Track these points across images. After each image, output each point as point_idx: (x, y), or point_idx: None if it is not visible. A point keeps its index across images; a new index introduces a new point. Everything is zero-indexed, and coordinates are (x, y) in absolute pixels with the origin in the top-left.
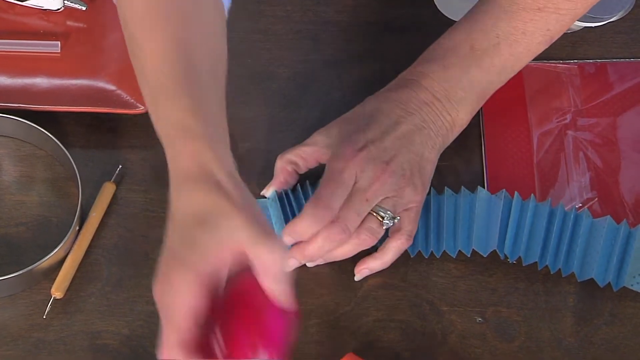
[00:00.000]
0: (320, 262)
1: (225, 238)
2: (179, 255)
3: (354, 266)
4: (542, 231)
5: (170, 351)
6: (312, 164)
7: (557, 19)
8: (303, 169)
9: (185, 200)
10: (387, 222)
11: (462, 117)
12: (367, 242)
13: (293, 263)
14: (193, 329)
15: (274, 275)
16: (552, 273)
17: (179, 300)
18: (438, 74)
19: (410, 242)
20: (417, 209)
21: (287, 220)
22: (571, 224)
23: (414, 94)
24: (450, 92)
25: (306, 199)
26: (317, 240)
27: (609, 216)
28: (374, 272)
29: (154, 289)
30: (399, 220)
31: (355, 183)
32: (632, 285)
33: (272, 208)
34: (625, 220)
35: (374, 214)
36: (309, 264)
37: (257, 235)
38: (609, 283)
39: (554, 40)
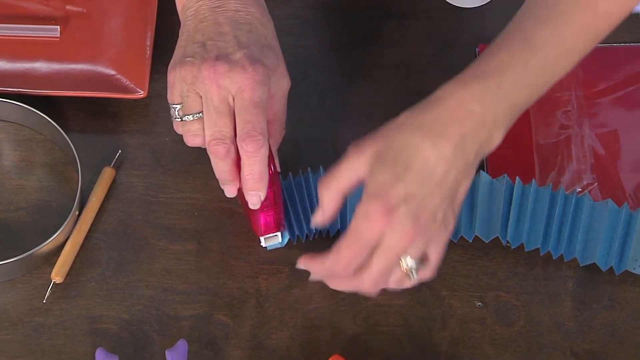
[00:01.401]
0: None
1: (276, 76)
2: (259, 57)
3: None
4: (543, 216)
5: (264, 136)
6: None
7: (595, 40)
8: (348, 191)
9: (247, 13)
10: (413, 276)
11: (499, 139)
12: (394, 289)
13: (313, 276)
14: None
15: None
16: (554, 258)
17: (267, 93)
18: (492, 95)
19: (434, 274)
20: (446, 243)
21: (285, 205)
22: (572, 208)
23: (459, 121)
24: (500, 115)
25: (306, 185)
26: (344, 284)
27: (609, 199)
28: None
29: (257, 70)
30: (425, 264)
31: (383, 239)
32: (634, 268)
33: None
34: (626, 203)
35: (402, 266)
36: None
37: (286, 94)
38: (611, 267)
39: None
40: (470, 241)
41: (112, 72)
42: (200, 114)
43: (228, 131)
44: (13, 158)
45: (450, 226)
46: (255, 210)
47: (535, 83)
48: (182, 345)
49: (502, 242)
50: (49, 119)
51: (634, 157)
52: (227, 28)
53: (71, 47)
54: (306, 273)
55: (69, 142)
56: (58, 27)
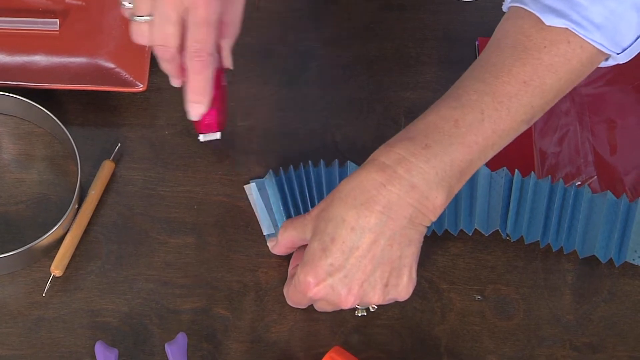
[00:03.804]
0: None
1: None
2: None
3: None
4: (543, 208)
5: (213, 57)
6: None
7: (541, 94)
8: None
9: None
10: (363, 312)
11: (440, 199)
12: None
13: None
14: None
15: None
16: (554, 251)
17: (219, 10)
18: (418, 154)
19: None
20: (406, 295)
21: (284, 198)
22: (571, 200)
23: (384, 192)
24: (430, 173)
25: (307, 178)
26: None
27: (608, 191)
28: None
29: None
30: (375, 308)
31: (319, 301)
32: (633, 259)
33: (269, 187)
34: (624, 194)
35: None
36: None
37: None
38: (611, 259)
39: (534, 121)
40: (470, 234)
41: (112, 65)
42: (150, 17)
43: (174, 40)
44: (12, 151)
45: (403, 288)
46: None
47: (473, 142)
48: (181, 338)
49: (502, 235)
50: (49, 113)
51: (633, 150)
52: None
53: (71, 41)
54: None
55: (69, 135)
56: (57, 20)
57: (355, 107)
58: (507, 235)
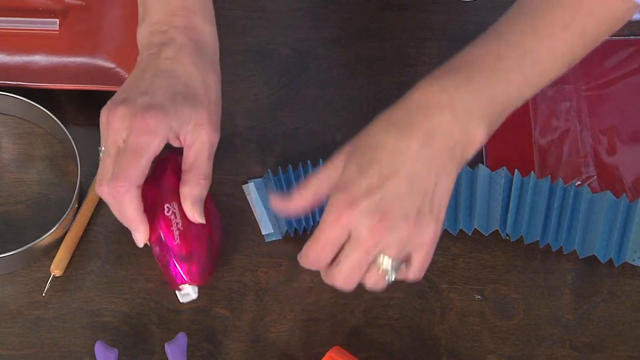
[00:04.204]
0: None
1: (192, 126)
2: (163, 105)
3: None
4: (542, 208)
5: (129, 183)
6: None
7: (581, 38)
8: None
9: (175, 62)
10: (392, 276)
11: (481, 134)
12: (372, 290)
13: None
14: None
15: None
16: (553, 251)
17: (156, 141)
18: (460, 86)
19: (420, 277)
20: (430, 246)
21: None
22: (571, 200)
23: (426, 118)
24: (472, 107)
25: (305, 178)
26: (324, 277)
27: (608, 191)
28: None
29: (146, 116)
30: (404, 266)
31: (352, 234)
32: (633, 260)
33: (268, 187)
34: (624, 194)
35: (377, 266)
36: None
37: (208, 146)
38: (610, 260)
39: (574, 64)
40: (470, 234)
41: (112, 65)
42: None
43: (106, 173)
44: (12, 151)
45: (430, 228)
46: (166, 259)
47: (514, 78)
48: (181, 338)
49: (502, 234)
50: (48, 112)
51: (633, 149)
52: (147, 74)
53: (70, 40)
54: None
55: (68, 135)
56: (57, 20)
57: (355, 107)
58: (507, 235)
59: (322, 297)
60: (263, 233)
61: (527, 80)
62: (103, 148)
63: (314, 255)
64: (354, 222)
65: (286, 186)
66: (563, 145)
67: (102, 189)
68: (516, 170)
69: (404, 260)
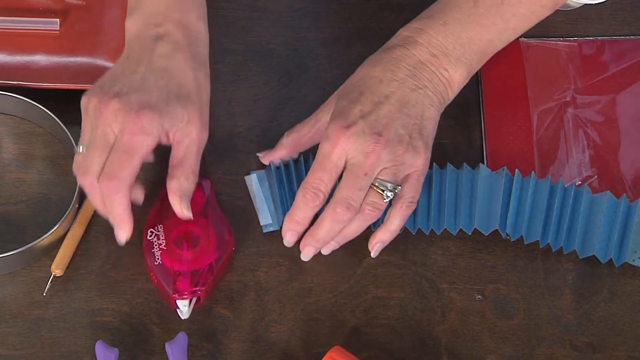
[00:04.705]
0: (334, 246)
1: (183, 124)
2: (157, 105)
3: (354, 244)
4: (543, 208)
5: (123, 183)
6: (317, 141)
7: None
8: (308, 147)
9: (170, 60)
10: (389, 194)
11: (460, 74)
12: (371, 216)
13: (308, 251)
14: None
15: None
16: (554, 251)
17: (148, 141)
18: (437, 29)
19: (413, 207)
20: (420, 173)
21: (284, 190)
22: (572, 200)
23: (408, 53)
24: (449, 47)
25: (307, 171)
26: (324, 223)
27: (608, 191)
28: (386, 243)
29: (141, 116)
30: (400, 189)
31: (349, 160)
32: (633, 260)
33: (270, 179)
34: (624, 194)
35: (375, 188)
36: (323, 251)
37: (197, 143)
38: (611, 260)
39: (557, 6)
40: (470, 234)
41: (112, 65)
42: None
43: (94, 165)
44: (13, 151)
45: (421, 152)
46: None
47: (493, 22)
48: (182, 338)
49: (502, 234)
50: (49, 112)
51: (634, 149)
52: (141, 69)
53: (71, 40)
54: (306, 266)
55: (69, 135)
56: (57, 20)
57: None
58: (507, 235)
59: (322, 297)
60: (262, 223)
61: (506, 25)
62: (84, 141)
63: (314, 184)
64: (351, 144)
65: (287, 179)
66: (564, 145)
67: (89, 182)
68: (517, 170)
69: (399, 185)
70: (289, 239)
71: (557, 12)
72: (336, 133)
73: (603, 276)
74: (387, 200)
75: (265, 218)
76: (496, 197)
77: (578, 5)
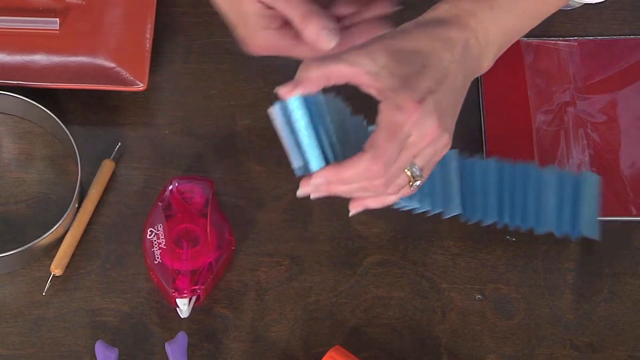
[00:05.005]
0: (326, 194)
1: None
2: None
3: (354, 244)
4: (495, 189)
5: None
6: (342, 82)
7: None
8: (331, 84)
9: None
10: (417, 183)
11: (488, 64)
12: (390, 200)
13: (307, 189)
14: None
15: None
16: (511, 229)
17: None
18: (484, 14)
19: (413, 193)
20: (448, 146)
21: (315, 122)
22: (521, 178)
23: (462, 36)
24: (490, 35)
25: (328, 107)
26: (353, 184)
27: (552, 165)
28: (369, 208)
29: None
30: (423, 179)
31: (410, 135)
32: (588, 233)
33: (297, 110)
34: (567, 167)
35: (407, 172)
36: (313, 195)
37: None
38: (611, 260)
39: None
40: (429, 216)
41: (112, 64)
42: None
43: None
44: (13, 151)
45: (451, 133)
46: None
47: (529, 10)
48: (182, 337)
49: (464, 219)
50: (49, 112)
51: (634, 149)
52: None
53: (71, 40)
54: (307, 265)
55: (69, 134)
56: (57, 19)
57: (355, 105)
58: (466, 219)
59: (322, 297)
60: (294, 166)
61: (536, 10)
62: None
63: (387, 156)
64: (418, 122)
65: (316, 111)
66: (564, 144)
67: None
68: (456, 150)
69: (422, 174)
70: (312, 194)
71: (557, 12)
72: (410, 105)
73: (603, 276)
74: (413, 188)
75: (298, 159)
76: (452, 181)
77: (578, 5)
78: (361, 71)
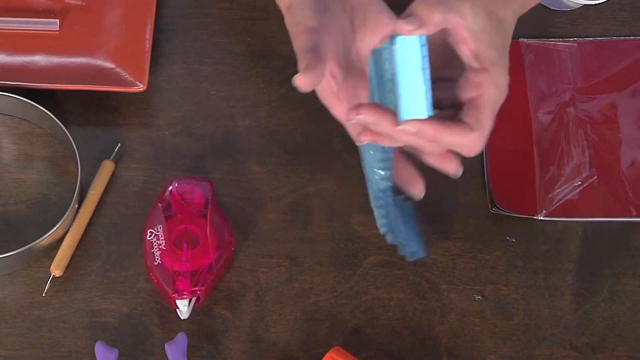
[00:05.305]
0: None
1: None
2: None
3: (353, 244)
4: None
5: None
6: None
7: None
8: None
9: None
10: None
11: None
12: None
13: (406, 129)
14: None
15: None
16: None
17: None
18: None
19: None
20: None
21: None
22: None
23: (509, 12)
24: (517, 9)
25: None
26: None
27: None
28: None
29: None
30: None
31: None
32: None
33: (414, 52)
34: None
35: None
36: (404, 137)
37: None
38: (611, 260)
39: None
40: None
41: (112, 65)
42: None
43: None
44: (12, 152)
45: None
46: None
47: None
48: (181, 338)
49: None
50: (49, 113)
51: (634, 149)
52: None
53: (70, 41)
54: (306, 266)
55: (69, 135)
56: (57, 20)
57: None
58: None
59: (322, 297)
60: (402, 118)
61: None
62: None
63: (490, 129)
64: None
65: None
66: (563, 146)
67: None
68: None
69: None
70: (401, 136)
71: (557, 12)
72: (505, 85)
73: (603, 276)
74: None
75: (416, 110)
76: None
77: (578, 6)
78: (463, 24)
